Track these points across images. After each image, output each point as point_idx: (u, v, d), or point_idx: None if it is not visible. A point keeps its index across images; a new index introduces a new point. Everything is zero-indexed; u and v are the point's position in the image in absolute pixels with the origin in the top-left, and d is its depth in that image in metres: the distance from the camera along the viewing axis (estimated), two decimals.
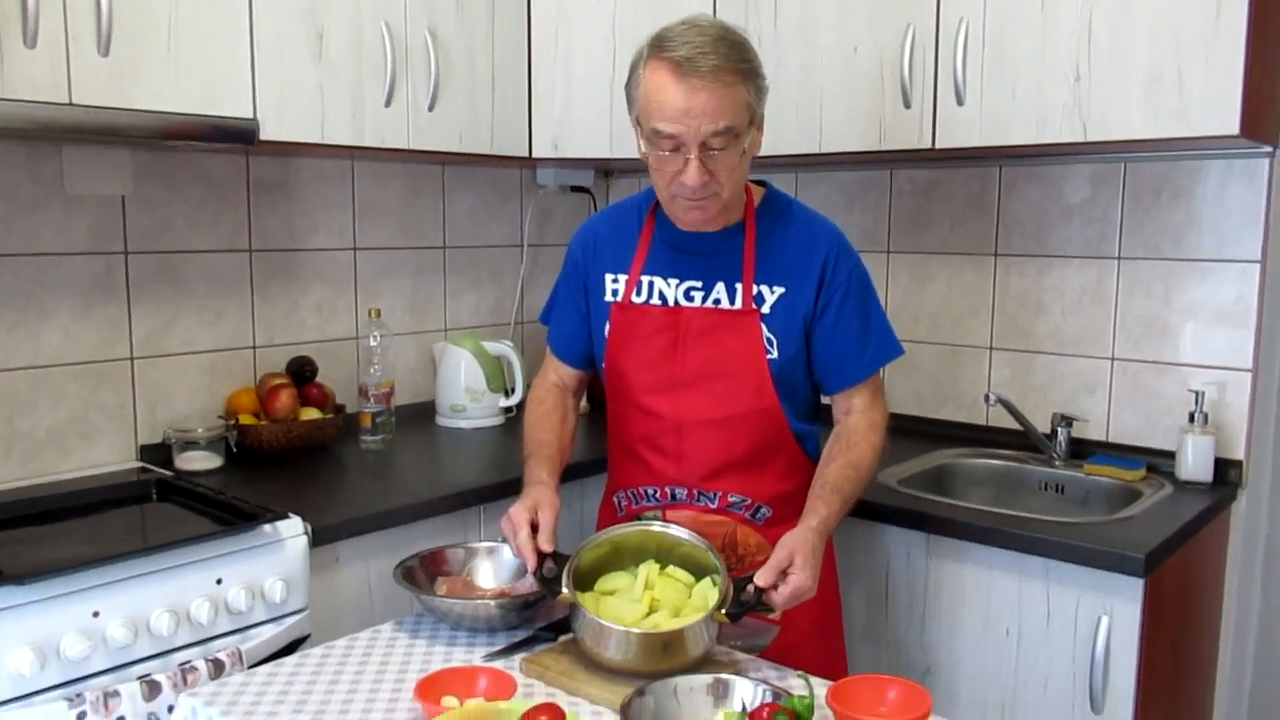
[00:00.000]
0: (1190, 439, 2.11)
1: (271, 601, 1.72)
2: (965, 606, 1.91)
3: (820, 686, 1.40)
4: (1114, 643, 1.73)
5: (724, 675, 1.35)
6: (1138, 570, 1.68)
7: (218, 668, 1.60)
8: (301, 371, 2.40)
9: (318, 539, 1.82)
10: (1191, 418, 2.12)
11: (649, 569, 1.52)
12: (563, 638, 1.56)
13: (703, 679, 1.34)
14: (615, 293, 1.69)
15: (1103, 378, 2.31)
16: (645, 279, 1.67)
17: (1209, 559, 2.08)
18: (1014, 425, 2.36)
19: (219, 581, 1.67)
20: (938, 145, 2.13)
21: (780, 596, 1.43)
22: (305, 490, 2.07)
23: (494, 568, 1.69)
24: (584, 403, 2.31)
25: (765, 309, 1.61)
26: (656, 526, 1.55)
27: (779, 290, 1.61)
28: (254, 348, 2.42)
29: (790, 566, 1.44)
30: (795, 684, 1.41)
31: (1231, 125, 1.79)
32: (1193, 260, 2.18)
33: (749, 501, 1.65)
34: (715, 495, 1.65)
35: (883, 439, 1.65)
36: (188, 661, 1.62)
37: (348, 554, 1.90)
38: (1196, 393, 2.12)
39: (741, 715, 1.15)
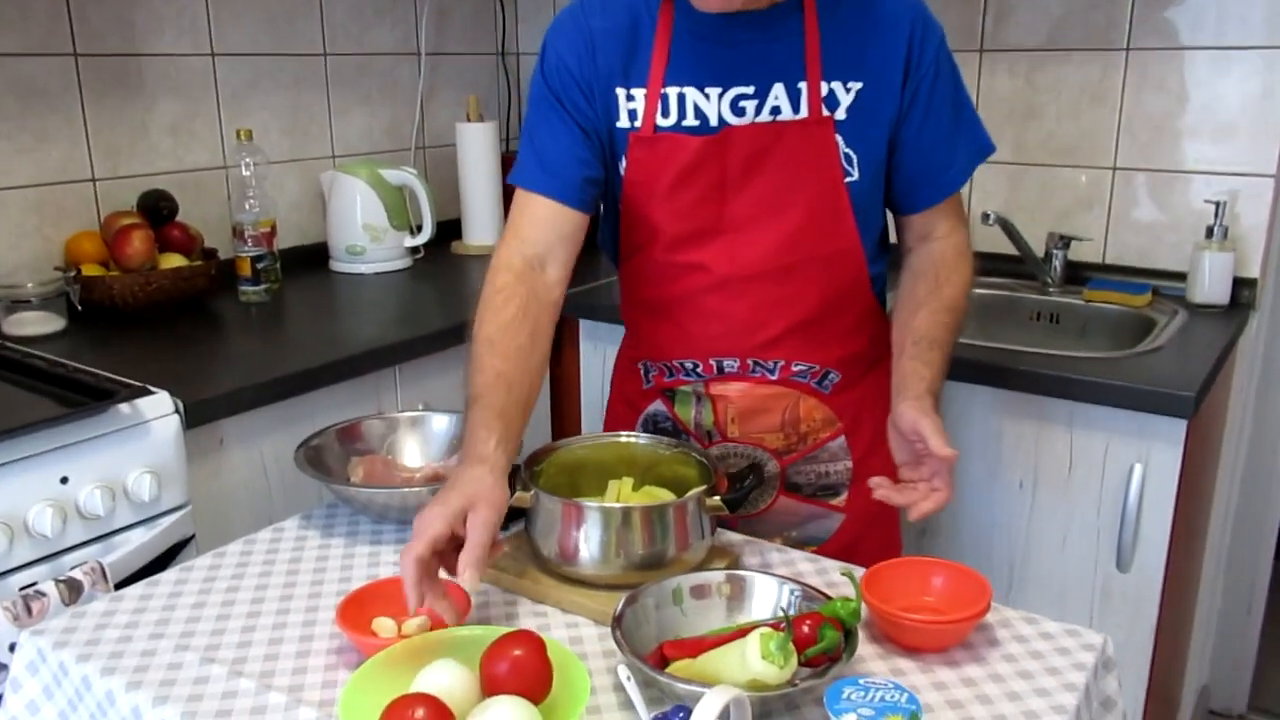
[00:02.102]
0: (1207, 256, 1.88)
1: (138, 501, 1.35)
2: (970, 458, 1.67)
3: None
4: (1149, 493, 1.51)
5: (739, 571, 1.06)
6: (1184, 410, 1.45)
7: (73, 591, 1.24)
8: (157, 209, 1.96)
9: (193, 418, 1.44)
10: (1209, 232, 1.88)
11: (620, 486, 1.23)
12: (515, 526, 1.26)
13: (712, 577, 1.05)
14: (633, 115, 1.25)
15: (1102, 191, 2.04)
16: (672, 91, 1.22)
17: (1223, 389, 1.89)
18: (998, 249, 2.08)
19: (64, 480, 1.29)
20: None
21: (930, 506, 1.14)
22: (174, 357, 1.67)
23: (421, 442, 1.39)
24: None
25: (840, 114, 1.22)
26: (626, 437, 1.27)
27: (854, 87, 1.21)
28: (94, 180, 1.95)
29: (928, 448, 1.15)
30: (837, 580, 1.15)
31: None
32: (1214, 49, 1.89)
33: (816, 368, 1.31)
34: (775, 365, 1.30)
35: (973, 269, 1.31)
36: (31, 586, 1.25)
37: (235, 434, 1.53)
38: (1216, 203, 1.87)
39: (785, 638, 0.87)
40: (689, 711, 0.80)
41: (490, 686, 0.88)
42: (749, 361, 1.30)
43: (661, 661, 0.98)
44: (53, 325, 1.75)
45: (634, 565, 1.11)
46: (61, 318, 1.77)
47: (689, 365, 1.32)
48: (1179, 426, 1.48)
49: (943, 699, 0.96)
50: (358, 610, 1.03)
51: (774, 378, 1.30)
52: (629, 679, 0.82)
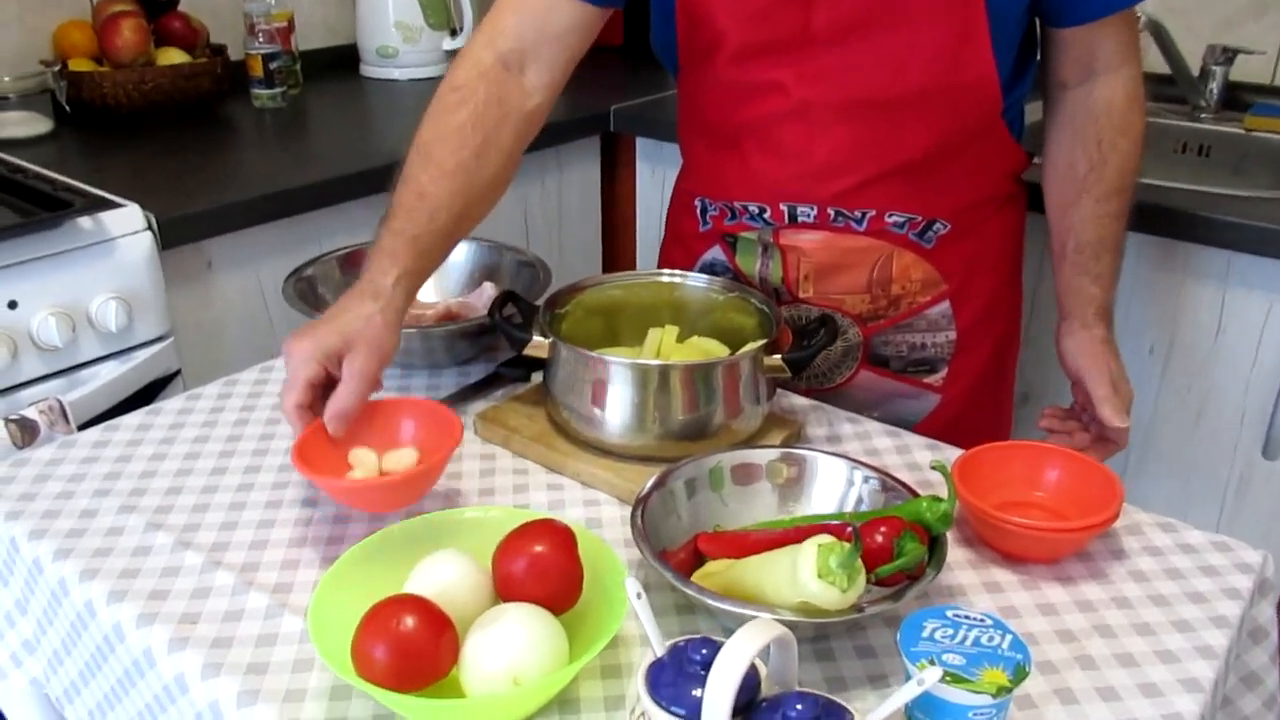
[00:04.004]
0: None
1: (104, 330, 1.18)
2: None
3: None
4: None
5: (797, 449, 0.84)
6: None
7: (27, 432, 1.09)
8: None
9: (169, 236, 1.25)
10: None
11: (662, 336, 1.01)
12: (537, 376, 1.06)
13: (762, 456, 0.84)
14: None
15: None
16: None
17: None
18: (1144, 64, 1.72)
19: (12, 305, 1.12)
20: None
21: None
22: (164, 167, 1.47)
23: (436, 274, 1.14)
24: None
25: None
26: (670, 276, 1.04)
27: None
28: None
29: (1093, 404, 1.01)
30: (924, 466, 0.92)
31: None
32: None
33: (917, 219, 1.04)
34: (863, 215, 1.03)
35: (1145, 118, 1.03)
36: None
37: (226, 257, 1.34)
38: None
39: (851, 553, 0.65)
40: (714, 648, 0.60)
41: (504, 589, 0.70)
42: (829, 210, 1.03)
43: (694, 557, 0.78)
44: (35, 128, 1.56)
45: (671, 434, 0.90)
46: (47, 119, 1.57)
47: (754, 209, 1.06)
48: None
49: (1050, 628, 0.75)
50: (319, 448, 0.83)
51: (861, 229, 1.03)
52: (639, 597, 0.62)
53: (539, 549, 0.69)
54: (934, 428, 1.11)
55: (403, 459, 0.84)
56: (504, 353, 1.12)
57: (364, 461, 0.84)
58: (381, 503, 0.85)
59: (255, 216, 1.33)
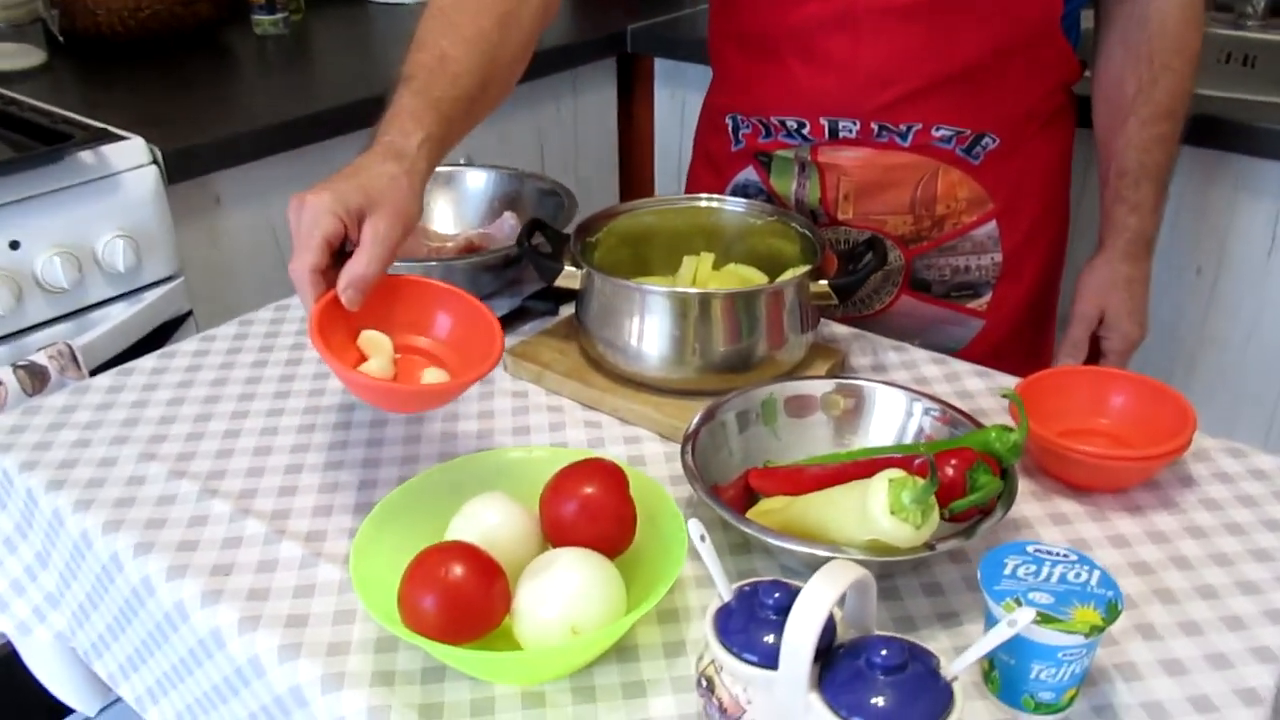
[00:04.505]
0: None
1: (112, 271, 1.13)
2: None
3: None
4: None
5: (853, 380, 0.80)
6: None
7: (37, 379, 1.04)
8: None
9: (177, 170, 1.20)
10: None
11: (698, 264, 0.96)
12: (566, 309, 1.02)
13: (817, 387, 0.80)
14: None
15: None
16: None
17: None
18: None
19: (14, 246, 1.06)
20: None
21: None
22: (166, 99, 1.41)
23: (454, 203, 1.14)
24: None
25: None
26: (708, 201, 0.99)
27: None
28: None
29: (1102, 327, 1.02)
30: (977, 394, 0.88)
31: None
32: None
33: (965, 133, 0.98)
34: (910, 129, 0.97)
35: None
36: None
37: (235, 192, 1.28)
38: None
39: (927, 487, 0.61)
40: (787, 591, 0.56)
41: (554, 533, 0.66)
42: (872, 125, 0.97)
43: (744, 494, 0.75)
44: (28, 60, 1.49)
45: (713, 367, 0.86)
46: (40, 50, 1.50)
47: (791, 124, 1.00)
48: None
49: (1124, 560, 0.72)
50: (338, 325, 0.71)
51: (905, 145, 0.97)
52: (703, 539, 0.58)
53: (589, 490, 0.65)
54: (976, 355, 1.06)
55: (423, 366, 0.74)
56: (529, 285, 1.07)
57: (376, 343, 0.72)
58: (400, 405, 0.78)
59: (263, 148, 1.27)
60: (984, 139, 0.98)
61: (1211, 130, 1.22)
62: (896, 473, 0.63)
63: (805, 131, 0.99)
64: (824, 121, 0.98)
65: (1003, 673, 0.59)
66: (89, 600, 0.82)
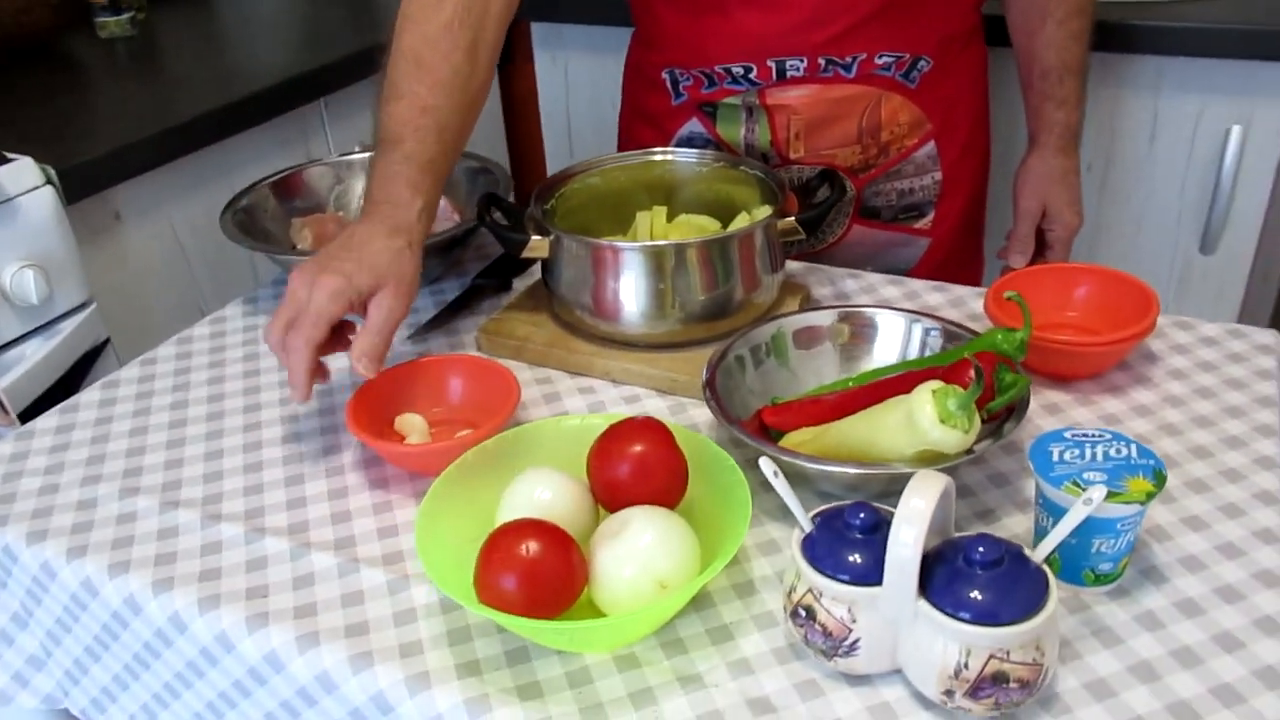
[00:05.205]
0: None
1: (24, 304, 1.04)
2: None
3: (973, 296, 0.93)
4: (1247, 159, 1.29)
5: (857, 308, 0.83)
6: None
7: None
8: None
9: (73, 189, 1.10)
10: None
11: (652, 218, 0.97)
12: (518, 283, 1.01)
13: (821, 318, 0.82)
14: None
15: None
16: None
17: None
18: None
19: None
20: None
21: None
22: (29, 116, 1.29)
23: None
24: None
25: None
26: (660, 155, 0.99)
27: None
28: None
29: (1044, 220, 1.07)
30: (942, 309, 0.92)
31: None
32: None
33: (904, 57, 1.00)
34: (854, 60, 0.98)
35: None
36: None
37: (133, 206, 1.20)
38: None
39: (969, 393, 0.64)
40: (871, 511, 0.58)
41: (608, 497, 0.66)
42: (819, 60, 0.98)
43: (760, 433, 0.76)
44: None
45: (694, 317, 0.87)
46: None
47: (738, 70, 1.00)
48: None
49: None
50: (373, 410, 0.79)
51: (850, 76, 0.99)
52: (776, 475, 0.59)
53: (638, 449, 0.65)
54: (924, 272, 1.11)
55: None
56: (474, 265, 1.05)
57: (415, 426, 0.79)
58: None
59: (155, 158, 1.18)
60: (920, 62, 1.01)
61: (1096, 31, 1.29)
62: (936, 383, 0.65)
63: (752, 76, 1.00)
64: (771, 63, 0.99)
65: (1063, 553, 0.63)
66: (87, 654, 0.76)
